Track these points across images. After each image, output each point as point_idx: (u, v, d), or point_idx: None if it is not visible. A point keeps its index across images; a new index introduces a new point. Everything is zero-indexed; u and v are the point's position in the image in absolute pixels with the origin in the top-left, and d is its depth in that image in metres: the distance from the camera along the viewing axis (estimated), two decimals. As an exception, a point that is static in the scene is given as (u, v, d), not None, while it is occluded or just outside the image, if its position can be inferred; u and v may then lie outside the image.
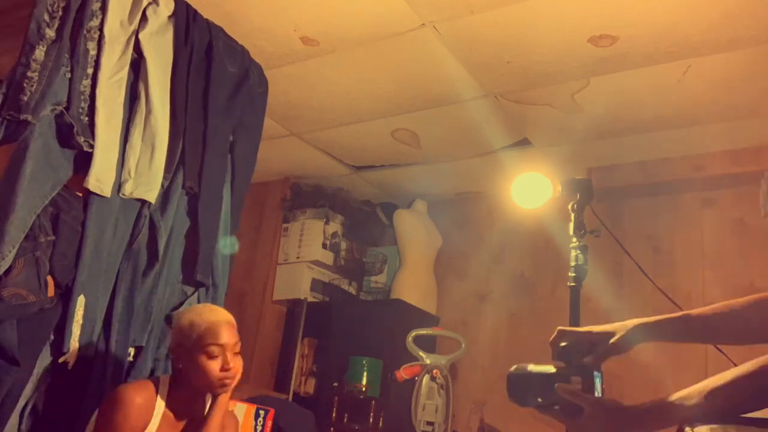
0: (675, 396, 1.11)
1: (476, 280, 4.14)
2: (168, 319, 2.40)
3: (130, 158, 2.28)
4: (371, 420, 3.59)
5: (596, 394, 1.24)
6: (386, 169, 4.11)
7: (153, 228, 2.35)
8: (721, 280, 3.39)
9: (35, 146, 2.02)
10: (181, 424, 1.96)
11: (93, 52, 2.21)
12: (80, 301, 2.09)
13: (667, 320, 1.29)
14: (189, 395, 1.96)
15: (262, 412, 2.71)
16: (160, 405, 1.91)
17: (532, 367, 1.30)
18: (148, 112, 2.34)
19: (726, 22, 2.53)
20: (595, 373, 1.26)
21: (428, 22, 2.70)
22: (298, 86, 3.26)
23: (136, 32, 2.35)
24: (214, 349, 1.90)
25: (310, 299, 4.09)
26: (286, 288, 4.12)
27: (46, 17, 2.09)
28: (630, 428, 1.15)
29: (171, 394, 1.94)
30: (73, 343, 2.07)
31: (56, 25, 2.11)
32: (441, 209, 4.41)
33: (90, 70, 2.19)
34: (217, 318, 1.95)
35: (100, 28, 2.23)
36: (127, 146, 2.28)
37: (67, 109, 2.10)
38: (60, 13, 2.13)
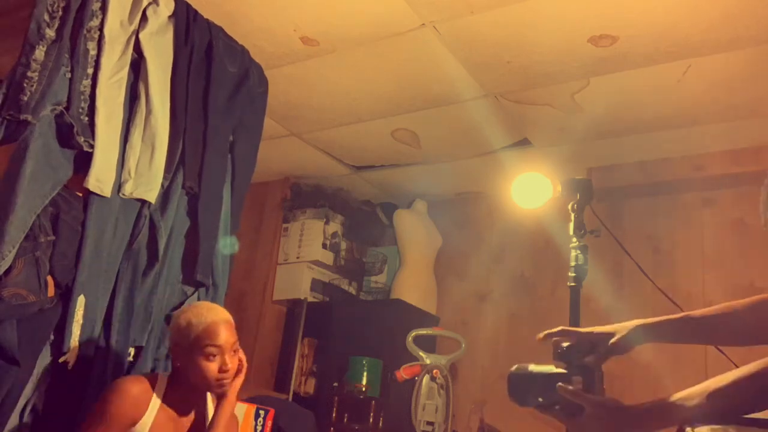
0: (676, 396, 1.11)
1: (476, 280, 4.14)
2: (168, 319, 2.40)
3: (130, 158, 2.28)
4: (371, 420, 3.59)
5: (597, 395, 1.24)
6: (386, 169, 4.11)
7: (153, 228, 2.35)
8: (721, 280, 3.39)
9: (35, 146, 2.02)
10: (181, 420, 1.97)
11: (93, 52, 2.21)
12: (80, 301, 2.09)
13: (668, 321, 1.29)
14: (188, 392, 1.97)
15: (262, 412, 2.71)
16: (156, 400, 1.92)
17: (533, 367, 1.30)
18: (148, 112, 2.34)
19: (726, 22, 2.53)
20: (596, 373, 1.26)
21: (428, 22, 2.70)
22: (298, 86, 3.26)
23: (136, 32, 2.35)
24: (212, 350, 1.90)
25: (310, 299, 4.09)
26: (286, 288, 4.12)
27: (46, 17, 2.09)
28: (630, 428, 1.15)
29: (169, 391, 1.95)
30: (73, 343, 2.07)
31: (56, 25, 2.11)
32: (441, 209, 4.41)
33: (90, 70, 2.19)
34: (214, 318, 1.94)
35: (100, 28, 2.23)
36: (127, 146, 2.28)
37: (67, 109, 2.10)
38: (60, 13, 2.12)
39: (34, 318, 1.98)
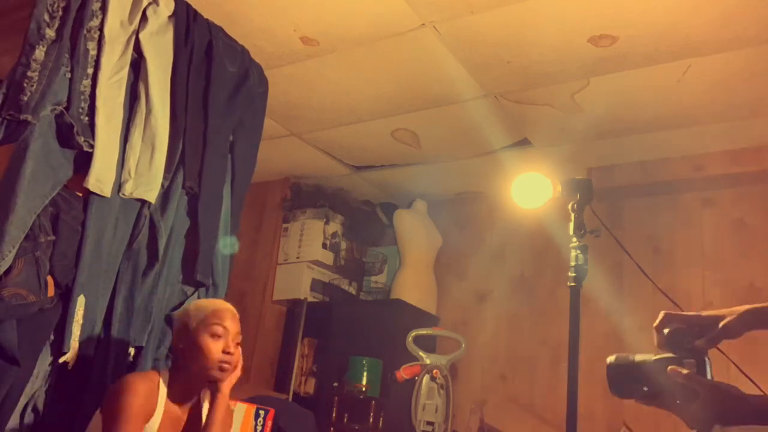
0: None
1: (476, 280, 4.14)
2: (168, 319, 2.40)
3: (130, 158, 2.28)
4: (371, 420, 3.59)
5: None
6: (386, 169, 4.11)
7: (153, 228, 2.35)
8: (721, 280, 3.39)
9: (35, 146, 2.02)
10: (181, 415, 1.98)
11: (93, 52, 2.21)
12: (80, 301, 2.09)
13: None
14: (187, 386, 1.98)
15: (262, 412, 2.71)
16: (163, 396, 1.93)
17: (637, 356, 1.24)
18: (148, 112, 2.34)
19: (726, 22, 2.53)
20: (706, 358, 1.20)
21: (428, 22, 2.70)
22: (298, 86, 3.27)
23: (137, 32, 2.35)
24: (218, 329, 1.94)
25: (310, 299, 4.09)
26: (286, 288, 4.12)
27: (46, 17, 2.09)
28: (750, 420, 1.08)
29: (171, 386, 1.97)
30: (73, 343, 2.07)
31: (56, 25, 2.11)
32: (441, 209, 4.41)
33: (90, 70, 2.19)
34: (223, 306, 2.03)
35: (100, 28, 2.23)
36: (127, 146, 2.28)
37: (67, 109, 2.10)
38: (60, 13, 2.13)
39: (34, 318, 1.98)
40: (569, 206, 2.20)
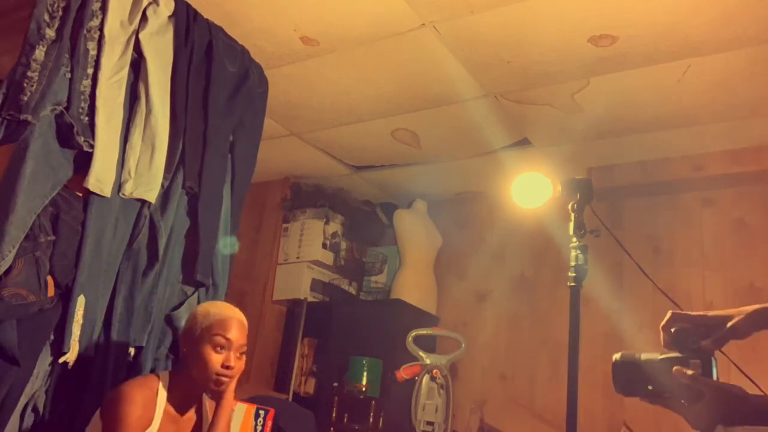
0: None
1: (476, 280, 4.14)
2: (168, 319, 2.40)
3: (130, 158, 2.28)
4: (371, 420, 3.59)
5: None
6: (386, 169, 4.11)
7: (153, 228, 2.35)
8: (721, 280, 3.39)
9: (35, 146, 2.02)
10: (182, 420, 1.97)
11: (93, 52, 2.21)
12: (80, 301, 2.09)
13: None
14: (187, 390, 1.97)
15: (262, 412, 2.71)
16: (161, 402, 1.92)
17: (643, 355, 1.24)
18: (148, 112, 2.34)
19: (726, 22, 2.53)
20: (713, 358, 1.19)
21: (428, 22, 2.70)
22: (298, 86, 3.27)
23: (136, 32, 2.35)
24: (221, 341, 1.92)
25: (310, 299, 4.09)
26: (286, 288, 4.12)
27: (46, 17, 2.09)
28: (753, 421, 1.07)
29: (170, 390, 1.96)
30: (73, 343, 2.07)
31: (56, 25, 2.11)
32: (441, 209, 4.41)
33: (90, 70, 2.19)
34: (231, 315, 2.00)
35: (100, 28, 2.23)
36: (127, 146, 2.28)
37: (67, 109, 2.10)
38: (60, 13, 2.12)
39: (34, 318, 1.98)
40: (569, 206, 2.20)
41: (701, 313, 1.25)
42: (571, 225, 2.17)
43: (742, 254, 3.39)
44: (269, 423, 2.71)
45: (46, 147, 2.06)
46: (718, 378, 1.18)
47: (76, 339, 2.08)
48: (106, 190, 2.18)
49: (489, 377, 3.88)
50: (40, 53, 2.05)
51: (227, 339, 1.94)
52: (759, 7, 2.45)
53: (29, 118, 1.99)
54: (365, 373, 3.65)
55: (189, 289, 2.50)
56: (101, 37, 2.23)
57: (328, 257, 4.21)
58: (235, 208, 2.71)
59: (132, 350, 2.29)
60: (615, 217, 3.70)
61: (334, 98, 3.35)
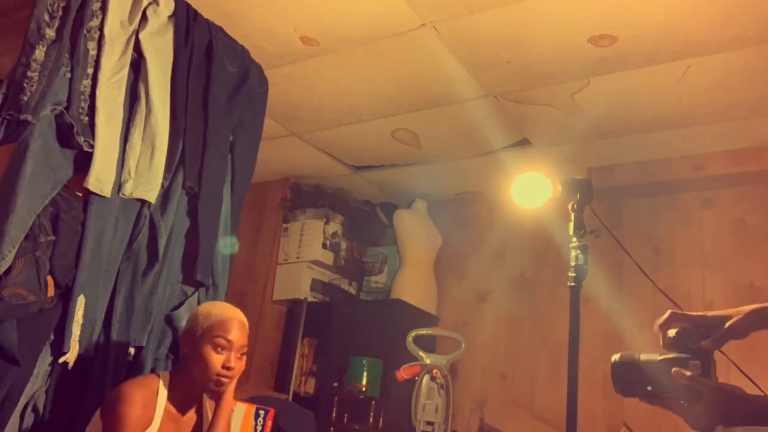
0: None
1: (476, 280, 4.14)
2: (168, 319, 2.40)
3: (130, 158, 2.28)
4: (371, 420, 3.59)
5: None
6: (386, 169, 4.11)
7: (153, 228, 2.35)
8: (721, 280, 3.39)
9: (35, 146, 2.02)
10: (182, 420, 1.98)
11: (93, 52, 2.21)
12: (80, 301, 2.09)
13: None
14: (187, 390, 1.98)
15: (262, 412, 2.71)
16: (161, 402, 1.92)
17: (642, 355, 1.23)
18: (148, 112, 2.34)
19: (726, 22, 2.53)
20: (712, 359, 1.19)
21: (428, 22, 2.70)
22: (298, 86, 3.27)
23: (136, 32, 2.35)
24: (222, 342, 1.93)
25: (310, 299, 4.09)
26: (286, 288, 4.12)
27: (46, 17, 2.09)
28: (753, 421, 1.07)
29: (170, 390, 1.96)
30: (73, 343, 2.07)
31: (56, 25, 2.11)
32: (441, 209, 4.41)
33: (90, 70, 2.19)
34: (232, 315, 2.00)
35: (100, 28, 2.23)
36: (127, 146, 2.28)
37: (67, 109, 2.10)
38: (60, 13, 2.12)
39: (34, 318, 1.98)
40: (569, 206, 2.20)
41: (700, 313, 1.25)
42: (571, 225, 2.17)
43: (742, 254, 3.39)
44: (269, 423, 2.71)
45: (46, 147, 2.06)
46: (717, 378, 1.18)
47: (76, 339, 2.08)
48: (106, 190, 2.18)
49: (489, 377, 3.88)
50: (40, 53, 2.05)
51: (228, 340, 1.94)
52: (759, 7, 2.45)
53: (29, 118, 1.99)
54: (365, 373, 3.65)
55: (189, 289, 2.50)
56: (101, 37, 2.23)
57: (328, 257, 4.21)
58: (235, 208, 2.71)
59: (132, 350, 2.29)
60: (615, 217, 3.70)
61: (334, 98, 3.35)
